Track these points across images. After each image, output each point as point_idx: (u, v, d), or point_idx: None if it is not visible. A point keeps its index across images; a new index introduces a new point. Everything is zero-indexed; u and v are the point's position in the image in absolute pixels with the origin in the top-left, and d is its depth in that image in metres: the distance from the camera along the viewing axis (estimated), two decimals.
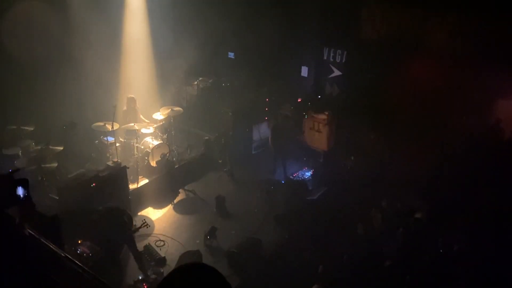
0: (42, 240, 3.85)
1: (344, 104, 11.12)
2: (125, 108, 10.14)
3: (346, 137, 10.85)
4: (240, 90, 12.15)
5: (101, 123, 9.16)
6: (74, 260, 3.85)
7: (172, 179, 9.72)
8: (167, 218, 9.04)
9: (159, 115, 10.16)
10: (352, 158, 10.44)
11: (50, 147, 8.77)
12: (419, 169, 8.82)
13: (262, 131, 11.66)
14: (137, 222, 7.75)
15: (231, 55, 13.16)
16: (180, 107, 10.68)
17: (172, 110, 10.18)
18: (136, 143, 9.53)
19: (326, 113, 10.89)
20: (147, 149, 9.63)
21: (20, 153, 8.65)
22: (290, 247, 7.95)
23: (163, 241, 8.16)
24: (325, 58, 11.70)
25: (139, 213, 8.97)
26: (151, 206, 9.31)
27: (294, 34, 11.92)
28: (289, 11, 11.48)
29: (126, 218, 6.93)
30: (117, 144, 9.27)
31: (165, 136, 10.16)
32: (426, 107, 9.67)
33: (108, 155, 9.40)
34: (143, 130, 9.85)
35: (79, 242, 7.12)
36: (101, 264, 6.81)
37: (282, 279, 6.95)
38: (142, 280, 6.97)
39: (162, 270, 7.28)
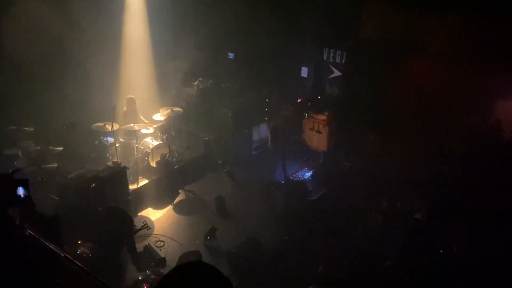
0: (42, 240, 3.84)
1: (344, 105, 11.12)
2: (125, 108, 10.15)
3: (346, 137, 10.85)
4: (240, 91, 12.14)
5: (101, 124, 9.16)
6: (74, 260, 3.85)
7: (172, 179, 9.71)
8: (167, 219, 9.03)
9: (159, 116, 10.16)
10: (353, 157, 10.45)
11: (50, 147, 8.77)
12: (419, 169, 8.82)
13: (262, 131, 11.65)
14: (137, 223, 7.76)
15: (231, 55, 13.16)
16: (180, 107, 10.68)
17: (172, 110, 10.19)
18: (136, 143, 9.53)
19: (326, 113, 10.88)
20: (147, 150, 9.62)
21: (20, 154, 8.65)
22: (290, 248, 7.94)
23: (163, 241, 8.16)
24: (325, 58, 11.70)
25: (139, 214, 8.97)
26: (151, 207, 9.31)
27: (294, 35, 11.93)
28: (289, 12, 11.49)
29: (126, 219, 6.93)
30: (117, 145, 9.27)
31: (165, 137, 10.16)
32: (426, 107, 9.67)
33: (108, 155, 9.40)
34: (143, 131, 9.86)
35: (79, 242, 7.11)
36: (101, 264, 6.79)
37: (282, 279, 6.94)
38: (142, 281, 6.96)
39: (162, 271, 7.26)
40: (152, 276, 7.05)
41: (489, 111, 9.38)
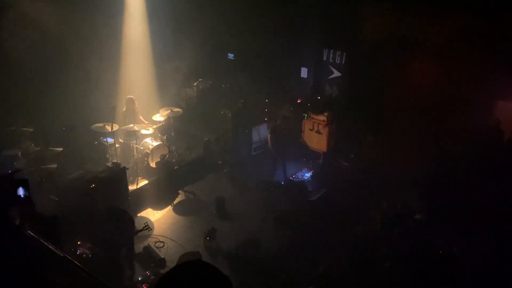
0: (41, 240, 3.84)
1: (344, 105, 11.13)
2: (124, 109, 10.14)
3: (346, 138, 10.85)
4: (240, 91, 12.15)
5: (101, 124, 9.15)
6: (74, 261, 3.84)
7: (171, 180, 9.71)
8: (167, 219, 9.03)
9: (159, 116, 10.16)
10: (353, 156, 10.45)
11: (50, 148, 8.76)
12: (418, 170, 8.82)
13: (261, 132, 11.65)
14: (138, 224, 7.74)
15: (230, 56, 13.17)
16: (180, 108, 10.68)
17: (171, 111, 10.19)
18: (136, 144, 9.53)
19: (326, 114, 10.89)
20: (147, 150, 9.62)
21: (19, 154, 8.65)
22: (290, 248, 7.94)
23: (162, 242, 8.15)
24: (324, 59, 11.72)
25: (138, 215, 8.96)
26: (150, 207, 9.30)
27: (294, 35, 11.95)
28: (289, 12, 11.50)
29: (127, 219, 6.92)
30: (117, 145, 9.27)
31: (164, 137, 10.16)
32: (426, 107, 9.68)
33: (107, 156, 9.40)
34: (143, 131, 9.85)
35: (79, 243, 7.10)
36: (101, 265, 6.79)
37: (282, 279, 6.94)
38: (142, 281, 6.96)
39: (161, 271, 7.26)
40: (152, 277, 7.06)
41: (489, 112, 9.39)
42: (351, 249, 7.46)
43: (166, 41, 12.14)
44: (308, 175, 10.82)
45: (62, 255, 3.82)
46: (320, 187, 9.80)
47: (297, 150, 11.19)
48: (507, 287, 6.73)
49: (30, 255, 3.70)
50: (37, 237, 3.86)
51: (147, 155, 9.57)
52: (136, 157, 9.51)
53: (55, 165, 8.74)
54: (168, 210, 9.32)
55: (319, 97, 11.73)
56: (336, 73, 11.56)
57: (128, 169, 8.81)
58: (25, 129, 9.21)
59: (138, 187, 9.37)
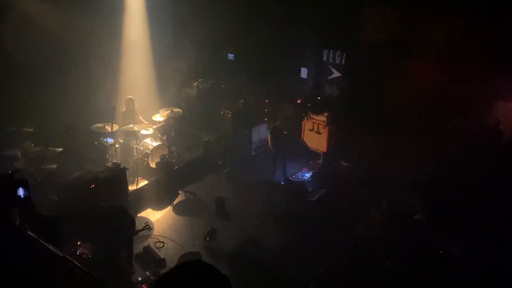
0: (41, 240, 3.84)
1: (344, 106, 11.13)
2: (124, 109, 10.14)
3: (346, 138, 10.85)
4: (240, 92, 12.15)
5: (101, 125, 9.16)
6: (74, 261, 3.84)
7: (171, 180, 9.71)
8: (167, 220, 9.03)
9: (159, 117, 10.16)
10: (354, 156, 10.44)
11: (50, 148, 8.76)
12: (419, 170, 8.82)
13: (261, 132, 11.65)
14: (138, 224, 7.74)
15: (230, 56, 13.17)
16: (180, 108, 10.68)
17: (171, 111, 10.19)
18: (136, 144, 9.53)
19: (326, 114, 10.89)
20: (147, 151, 9.61)
21: (19, 154, 8.63)
22: (290, 248, 7.94)
23: (162, 242, 8.15)
24: (324, 59, 11.72)
25: (138, 215, 8.95)
26: (150, 208, 9.30)
27: (293, 36, 11.94)
28: (289, 12, 11.49)
29: (128, 219, 6.92)
30: (117, 146, 9.26)
31: (164, 138, 10.16)
32: (426, 107, 9.68)
33: (107, 156, 9.40)
34: (143, 132, 9.85)
35: (79, 243, 7.10)
36: (100, 265, 6.78)
37: (282, 279, 6.94)
38: (142, 281, 6.96)
39: (161, 272, 7.26)
40: (152, 277, 7.06)
41: (489, 112, 9.39)
42: (351, 249, 7.47)
43: (166, 41, 12.12)
44: (308, 175, 10.82)
45: (62, 255, 3.81)
46: (320, 187, 9.80)
47: (297, 150, 11.19)
48: (507, 287, 6.73)
49: (30, 255, 3.69)
50: (37, 237, 3.86)
51: (147, 155, 9.57)
52: (136, 157, 9.51)
53: (55, 165, 8.73)
54: (168, 210, 9.32)
55: (319, 98, 11.74)
56: (336, 73, 11.56)
57: (128, 169, 8.80)
58: (25, 129, 9.21)
59: (138, 187, 9.37)
